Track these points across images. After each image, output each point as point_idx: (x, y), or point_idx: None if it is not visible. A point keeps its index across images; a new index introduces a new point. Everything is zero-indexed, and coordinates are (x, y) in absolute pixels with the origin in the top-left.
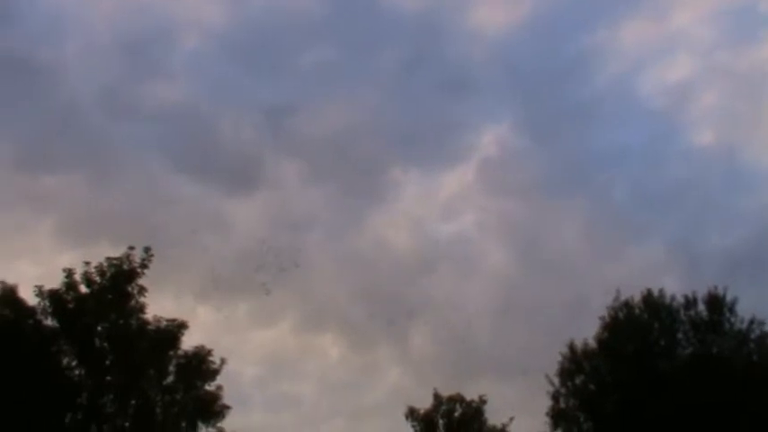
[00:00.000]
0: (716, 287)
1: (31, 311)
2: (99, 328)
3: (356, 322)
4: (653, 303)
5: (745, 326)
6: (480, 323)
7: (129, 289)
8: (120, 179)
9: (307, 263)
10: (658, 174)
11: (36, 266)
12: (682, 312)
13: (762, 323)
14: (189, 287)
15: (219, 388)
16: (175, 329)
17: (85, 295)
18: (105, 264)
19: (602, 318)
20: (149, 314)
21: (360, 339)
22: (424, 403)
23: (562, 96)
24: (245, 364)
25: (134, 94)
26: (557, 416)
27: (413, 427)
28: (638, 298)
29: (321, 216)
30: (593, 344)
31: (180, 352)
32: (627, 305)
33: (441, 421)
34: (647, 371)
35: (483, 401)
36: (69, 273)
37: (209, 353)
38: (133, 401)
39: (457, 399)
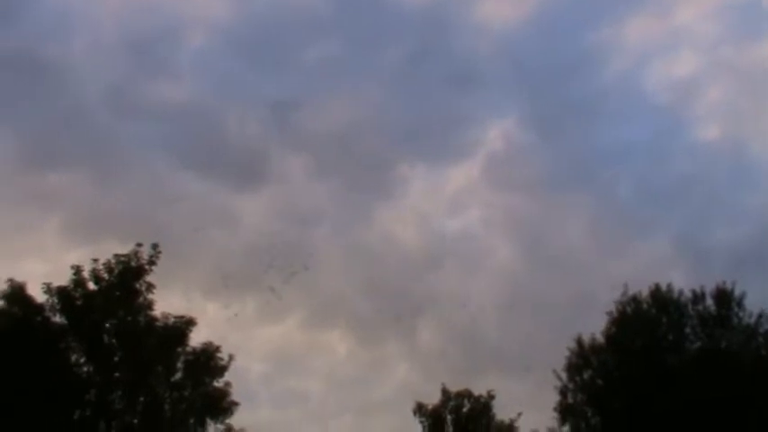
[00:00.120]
0: (724, 282)
1: (39, 309)
2: (107, 325)
3: (363, 318)
4: (661, 298)
5: (753, 320)
6: (487, 318)
7: (137, 286)
8: (126, 176)
9: (314, 259)
10: (664, 169)
11: (43, 264)
12: (690, 307)
13: None
14: (196, 283)
15: (228, 384)
16: (183, 326)
17: (93, 292)
18: (113, 261)
19: (609, 313)
20: (157, 311)
21: (367, 335)
22: (432, 399)
23: (568, 91)
24: (253, 360)
25: (140, 92)
26: (564, 411)
27: (421, 422)
28: (645, 293)
29: (328, 211)
30: (600, 339)
31: (188, 349)
32: (635, 300)
33: (449, 417)
34: (655, 366)
35: (491, 397)
36: (77, 270)
37: (217, 349)
38: (141, 398)
39: (465, 394)
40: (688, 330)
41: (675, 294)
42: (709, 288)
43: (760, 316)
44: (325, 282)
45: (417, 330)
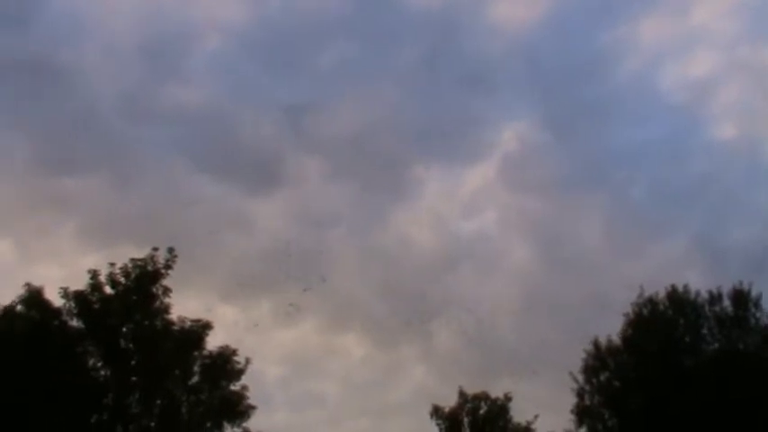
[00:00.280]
0: (741, 282)
1: (56, 313)
2: (124, 329)
3: (380, 321)
4: (677, 299)
5: None
6: (503, 320)
7: (154, 290)
8: (142, 180)
9: (329, 261)
10: (680, 169)
11: (60, 268)
12: (706, 308)
13: None
14: (212, 287)
15: (244, 388)
16: (200, 330)
17: (110, 296)
18: (130, 265)
19: (626, 314)
20: (174, 315)
21: (383, 338)
22: (449, 401)
23: (582, 92)
24: (269, 363)
25: (155, 96)
26: (581, 413)
27: (438, 425)
28: (662, 294)
29: (343, 214)
30: (617, 341)
31: (205, 352)
32: (651, 301)
33: (466, 419)
34: (672, 367)
35: (508, 399)
36: (94, 274)
37: (233, 353)
38: (158, 402)
39: (482, 397)
40: (705, 332)
41: (692, 295)
42: (726, 289)
43: None
44: (340, 285)
45: (433, 333)
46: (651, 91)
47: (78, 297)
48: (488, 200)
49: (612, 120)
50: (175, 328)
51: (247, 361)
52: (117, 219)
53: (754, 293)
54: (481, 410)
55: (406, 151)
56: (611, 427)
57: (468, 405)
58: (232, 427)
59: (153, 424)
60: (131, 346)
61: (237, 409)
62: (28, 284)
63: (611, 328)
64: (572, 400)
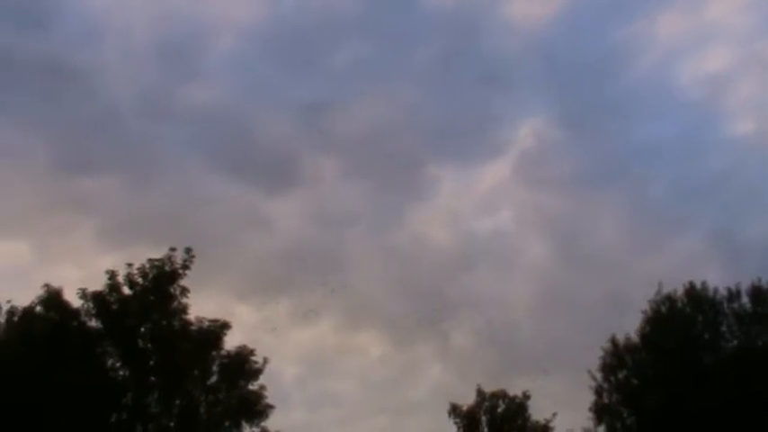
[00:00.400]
0: (759, 279)
1: (75, 313)
2: (142, 330)
3: (397, 319)
4: (696, 296)
5: None
6: (521, 318)
7: (172, 290)
8: (159, 180)
9: (346, 260)
10: (697, 165)
11: (78, 269)
12: (725, 305)
13: None
14: (229, 287)
15: (262, 387)
16: (218, 330)
17: (128, 297)
18: (147, 265)
19: (644, 311)
20: (192, 315)
21: (401, 336)
22: (467, 400)
23: (599, 89)
24: (287, 363)
25: (172, 96)
26: (600, 411)
27: (455, 423)
28: (680, 291)
29: (360, 213)
30: (635, 338)
31: (223, 352)
32: (669, 298)
33: (484, 418)
34: (691, 364)
35: (527, 397)
36: (112, 275)
37: (251, 352)
38: (177, 401)
39: (500, 395)
40: (724, 329)
41: (710, 292)
42: (745, 285)
43: None
44: (358, 284)
45: (451, 331)
46: (668, 87)
47: (97, 298)
48: (505, 197)
49: (629, 116)
50: (193, 328)
51: (265, 360)
52: (135, 219)
53: None
54: (499, 409)
55: (423, 150)
56: (629, 424)
57: (486, 403)
58: (250, 427)
59: (172, 423)
60: (150, 346)
61: (255, 408)
62: (47, 285)
63: (629, 326)
64: (590, 397)
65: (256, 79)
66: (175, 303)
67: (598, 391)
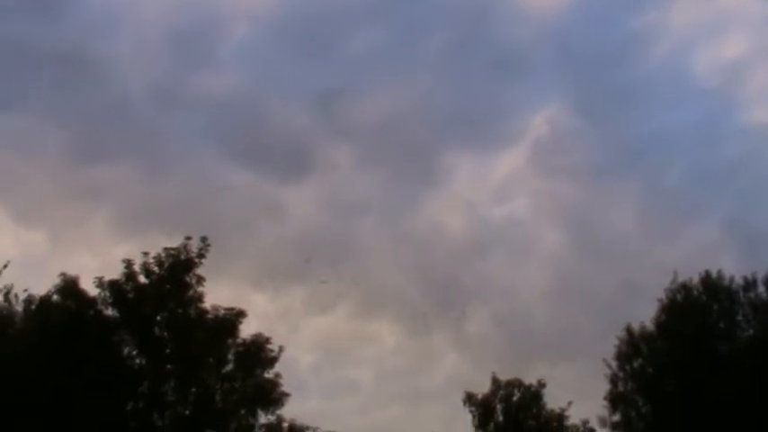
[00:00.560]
0: None
1: (91, 302)
2: (158, 318)
3: (412, 307)
4: (711, 285)
5: None
6: (536, 306)
7: (187, 279)
8: (173, 169)
9: (361, 248)
10: (713, 153)
11: (93, 258)
12: (741, 294)
13: None
14: (244, 275)
15: (278, 375)
16: (233, 318)
17: (144, 285)
18: (163, 254)
19: (660, 300)
20: (207, 303)
21: (416, 324)
22: (482, 388)
23: (614, 76)
24: (302, 351)
25: (185, 85)
26: (615, 399)
27: (471, 412)
28: (696, 280)
29: (374, 201)
30: (650, 327)
31: (238, 340)
32: (685, 287)
33: (499, 406)
34: (707, 353)
35: (542, 385)
36: (128, 263)
37: (267, 340)
38: (193, 389)
39: (515, 383)
40: (739, 317)
41: (726, 281)
42: (761, 274)
43: None
44: (372, 272)
45: (466, 319)
46: (683, 74)
47: (113, 286)
48: (520, 185)
49: (645, 104)
50: (209, 316)
51: (281, 349)
52: (149, 207)
53: None
54: (514, 397)
55: (437, 138)
56: (644, 413)
57: (502, 392)
58: (266, 415)
59: (188, 412)
60: (166, 334)
61: (271, 396)
62: (63, 274)
63: (644, 314)
64: (605, 386)
65: (270, 67)
66: (191, 292)
67: (613, 380)
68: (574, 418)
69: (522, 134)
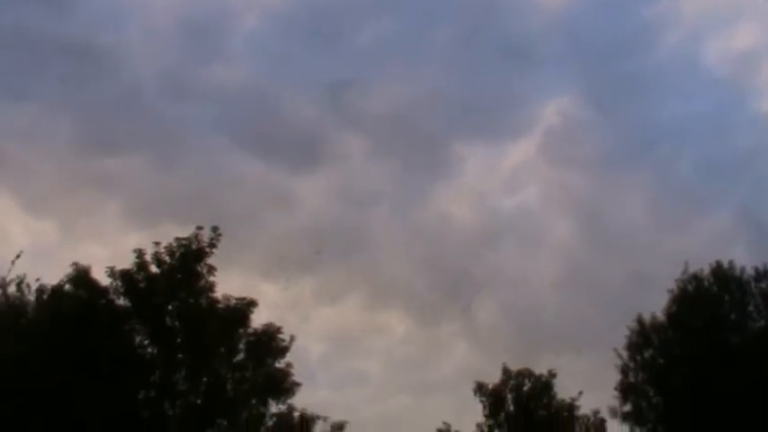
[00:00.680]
0: None
1: (103, 292)
2: (170, 308)
3: (422, 297)
4: (723, 276)
5: None
6: (546, 297)
7: (199, 268)
8: (184, 159)
9: (371, 239)
10: (725, 143)
11: (104, 248)
12: (752, 285)
13: None
14: (255, 265)
15: (289, 365)
16: (244, 308)
17: (156, 275)
18: (174, 244)
19: (670, 291)
20: (218, 293)
21: (425, 315)
22: (493, 378)
23: (625, 66)
24: (312, 341)
25: (196, 75)
26: (626, 390)
27: (481, 402)
28: (707, 270)
29: (385, 191)
30: (661, 317)
31: (249, 330)
32: (696, 278)
33: (509, 396)
34: (718, 344)
35: (552, 375)
36: (140, 253)
37: (278, 330)
38: (204, 379)
39: (526, 373)
40: (751, 309)
41: (737, 272)
42: None
43: None
44: (383, 262)
45: (476, 309)
46: (695, 64)
47: (125, 276)
48: (530, 176)
49: (656, 94)
50: (220, 306)
51: (292, 338)
52: (160, 198)
53: None
54: (525, 387)
55: (447, 128)
56: (655, 404)
57: (512, 382)
58: (277, 404)
59: (199, 401)
60: (177, 324)
61: (282, 386)
62: (75, 264)
63: (655, 305)
64: (616, 377)
65: (280, 58)
66: (202, 282)
67: (624, 371)
68: (584, 408)
69: (533, 125)
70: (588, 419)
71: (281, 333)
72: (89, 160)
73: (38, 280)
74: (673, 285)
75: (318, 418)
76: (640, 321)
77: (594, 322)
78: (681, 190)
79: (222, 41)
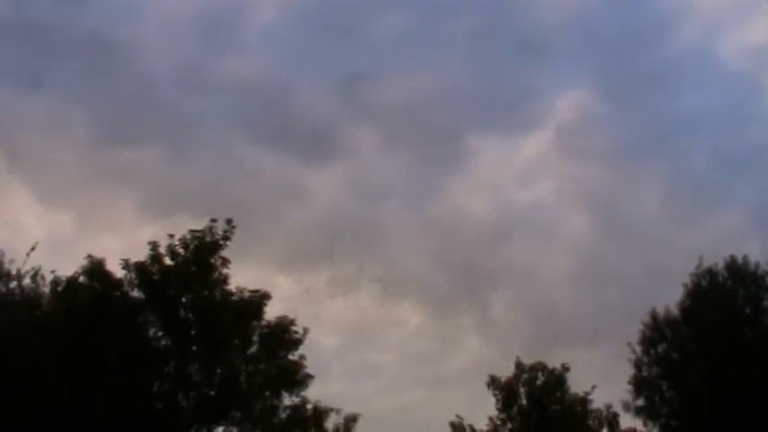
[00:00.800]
0: None
1: (118, 284)
2: (184, 300)
3: (435, 291)
4: (737, 270)
5: None
6: (560, 290)
7: (213, 261)
8: (199, 152)
9: (385, 232)
10: (740, 137)
11: (119, 240)
12: (767, 280)
13: None
14: (269, 258)
15: (302, 357)
16: (258, 300)
17: (170, 267)
18: (188, 236)
19: (685, 285)
20: (232, 285)
21: (439, 308)
22: (506, 372)
23: (640, 59)
24: (325, 333)
25: (211, 68)
26: (639, 384)
27: (494, 395)
28: (721, 265)
29: (399, 185)
30: (675, 312)
31: (263, 322)
32: (710, 272)
33: (522, 390)
34: (732, 339)
35: (566, 369)
36: (154, 246)
37: (291, 323)
38: (218, 371)
39: (539, 367)
40: (765, 304)
41: (752, 266)
42: None
43: None
44: (397, 255)
45: (490, 303)
46: (710, 58)
47: (139, 268)
48: (544, 169)
49: (671, 87)
50: (234, 298)
51: (305, 331)
52: (175, 190)
53: None
54: (538, 381)
55: (462, 121)
56: (668, 398)
57: (525, 375)
58: (290, 396)
59: (213, 393)
60: (191, 316)
61: (295, 378)
62: (90, 256)
63: (669, 299)
64: (629, 371)
65: (295, 51)
66: (216, 274)
67: (637, 365)
68: (597, 402)
69: (547, 118)
70: (601, 413)
71: (295, 325)
72: (104, 152)
73: (53, 272)
74: (687, 279)
75: (332, 410)
76: (654, 316)
77: (608, 316)
78: (695, 184)
79: (237, 34)
